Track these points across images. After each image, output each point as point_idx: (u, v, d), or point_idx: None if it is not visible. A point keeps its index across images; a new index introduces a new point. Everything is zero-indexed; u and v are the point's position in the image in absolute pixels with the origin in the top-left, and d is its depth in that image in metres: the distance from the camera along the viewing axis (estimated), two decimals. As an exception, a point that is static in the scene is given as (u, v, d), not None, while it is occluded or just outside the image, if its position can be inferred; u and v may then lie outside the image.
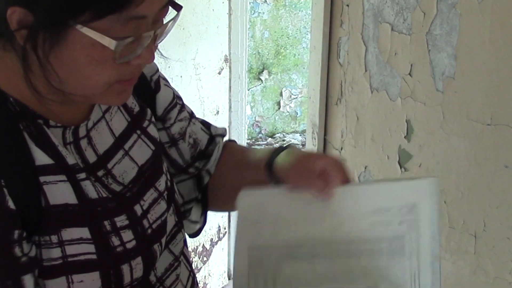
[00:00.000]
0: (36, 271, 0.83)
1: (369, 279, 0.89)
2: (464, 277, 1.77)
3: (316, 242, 0.92)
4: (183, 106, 1.12)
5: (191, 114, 1.14)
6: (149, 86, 1.05)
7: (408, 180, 0.95)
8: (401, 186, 0.92)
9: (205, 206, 1.16)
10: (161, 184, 0.99)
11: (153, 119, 1.03)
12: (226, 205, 1.18)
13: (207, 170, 1.14)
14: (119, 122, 0.97)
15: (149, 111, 1.03)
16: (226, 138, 1.19)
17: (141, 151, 0.98)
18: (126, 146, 0.97)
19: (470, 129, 1.68)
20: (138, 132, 0.99)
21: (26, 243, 0.81)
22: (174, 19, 0.84)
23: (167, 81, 1.10)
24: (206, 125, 1.16)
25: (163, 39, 0.84)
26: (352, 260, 0.89)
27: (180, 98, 1.12)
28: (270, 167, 1.01)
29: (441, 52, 1.71)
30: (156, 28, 0.81)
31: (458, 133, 1.71)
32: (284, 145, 1.05)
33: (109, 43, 0.76)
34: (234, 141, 1.25)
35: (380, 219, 0.88)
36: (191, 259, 1.14)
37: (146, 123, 1.01)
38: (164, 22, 0.83)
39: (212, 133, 1.15)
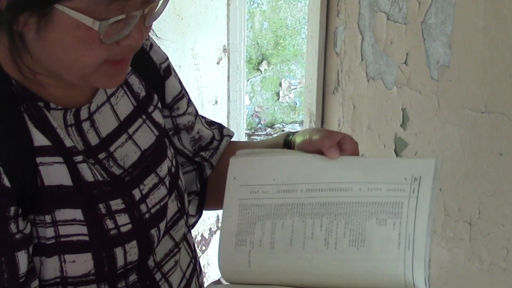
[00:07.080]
0: (31, 248, 0.84)
1: (354, 236, 0.90)
2: (459, 264, 1.79)
3: (310, 201, 0.94)
4: (190, 100, 1.13)
5: (196, 111, 1.15)
6: (158, 73, 1.06)
7: (411, 159, 0.97)
8: (404, 162, 0.95)
9: (203, 200, 1.17)
10: (163, 169, 1.00)
11: (159, 104, 1.04)
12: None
13: (211, 162, 1.15)
14: (125, 106, 0.98)
15: (155, 97, 1.03)
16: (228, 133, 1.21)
17: (145, 136, 0.99)
18: (130, 130, 0.97)
19: (465, 117, 1.69)
20: (143, 117, 1.00)
21: (22, 220, 0.83)
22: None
23: (175, 72, 1.11)
24: (218, 126, 1.18)
25: (155, 19, 0.85)
26: (341, 220, 0.91)
27: (187, 93, 1.13)
28: (289, 144, 1.04)
29: (436, 41, 1.72)
30: (144, 7, 0.81)
31: (453, 121, 1.73)
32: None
33: (92, 23, 0.76)
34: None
35: (380, 187, 0.91)
36: (193, 245, 1.14)
37: (151, 108, 1.01)
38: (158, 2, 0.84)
39: (224, 134, 1.17)
